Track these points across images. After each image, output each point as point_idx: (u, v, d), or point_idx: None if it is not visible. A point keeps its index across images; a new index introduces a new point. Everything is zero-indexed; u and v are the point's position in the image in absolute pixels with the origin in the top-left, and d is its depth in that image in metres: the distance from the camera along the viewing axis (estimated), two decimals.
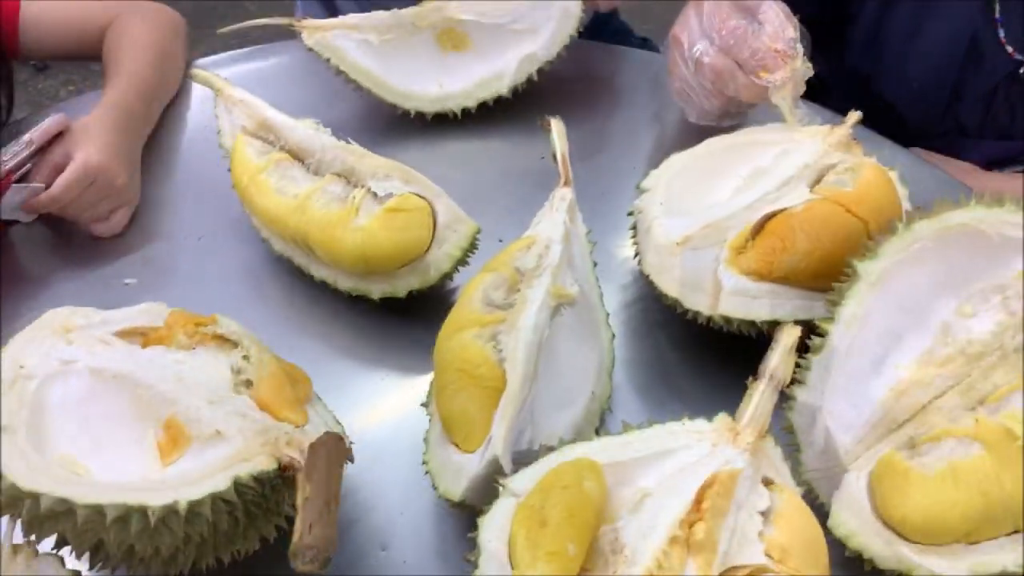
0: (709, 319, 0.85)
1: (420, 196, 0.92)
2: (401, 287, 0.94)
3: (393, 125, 1.18)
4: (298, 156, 1.01)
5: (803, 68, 0.95)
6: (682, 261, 0.85)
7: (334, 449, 0.67)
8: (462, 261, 0.95)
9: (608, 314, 0.88)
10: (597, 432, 0.80)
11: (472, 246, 0.95)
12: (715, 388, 0.88)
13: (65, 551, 0.67)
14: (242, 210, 1.06)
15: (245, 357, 0.74)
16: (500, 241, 1.05)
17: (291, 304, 1.01)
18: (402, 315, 0.98)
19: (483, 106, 1.16)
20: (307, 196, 0.95)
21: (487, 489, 0.70)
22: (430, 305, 0.97)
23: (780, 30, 0.95)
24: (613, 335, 0.88)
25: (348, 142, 0.98)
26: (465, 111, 1.15)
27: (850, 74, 1.32)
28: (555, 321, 0.79)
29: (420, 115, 1.14)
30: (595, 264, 0.89)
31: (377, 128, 1.19)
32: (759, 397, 0.68)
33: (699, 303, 0.85)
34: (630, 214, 0.95)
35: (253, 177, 0.98)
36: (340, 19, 1.12)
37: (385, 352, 0.96)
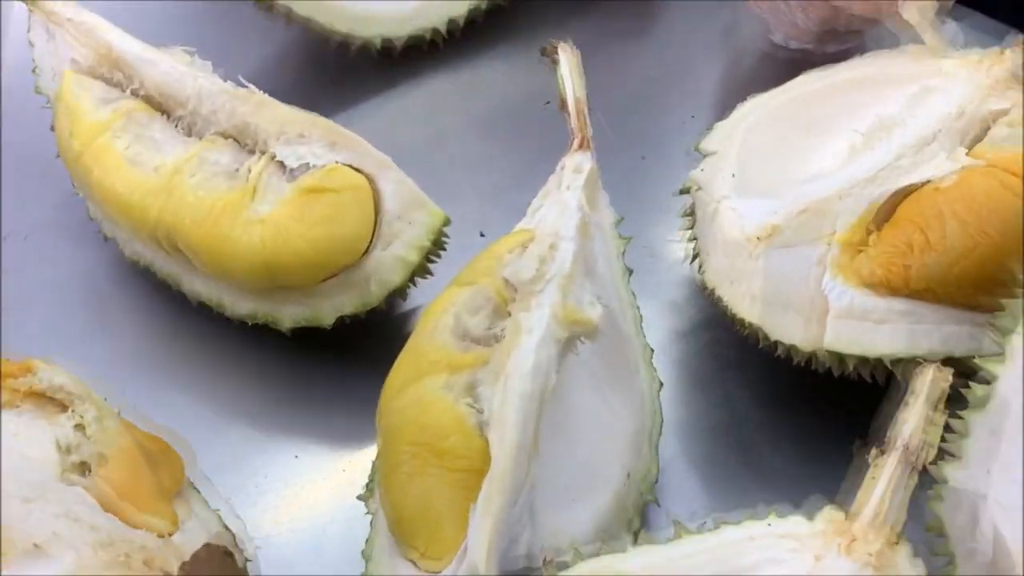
0: (808, 357, 0.85)
1: (354, 168, 0.93)
2: (325, 311, 0.94)
3: (335, 71, 1.22)
4: (162, 106, 1.01)
5: None
6: (766, 266, 0.86)
7: (220, 569, 0.67)
8: (421, 270, 0.95)
9: (652, 350, 0.88)
10: (634, 535, 0.80)
11: (437, 245, 0.95)
12: (816, 464, 0.89)
13: None
14: (74, 192, 1.06)
15: (79, 426, 0.74)
16: (481, 236, 1.06)
17: (154, 337, 1.03)
18: (328, 355, 0.99)
19: (470, 28, 1.20)
20: (176, 169, 0.95)
21: None
22: (372, 339, 0.98)
23: None
24: (659, 383, 0.87)
25: (241, 85, 0.98)
26: (448, 34, 1.20)
27: None
28: (567, 362, 0.79)
29: (376, 50, 1.18)
30: (630, 272, 0.89)
31: (312, 77, 1.23)
32: (887, 480, 0.68)
33: (792, 331, 0.85)
34: (683, 192, 0.96)
35: (90, 140, 0.98)
36: None
37: (302, 413, 0.97)
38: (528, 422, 0.75)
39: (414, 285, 0.96)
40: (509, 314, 0.80)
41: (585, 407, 0.80)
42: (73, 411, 0.75)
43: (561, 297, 0.80)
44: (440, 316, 0.80)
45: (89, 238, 1.07)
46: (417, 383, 0.77)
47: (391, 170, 0.94)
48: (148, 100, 1.01)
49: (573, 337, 0.80)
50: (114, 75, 1.02)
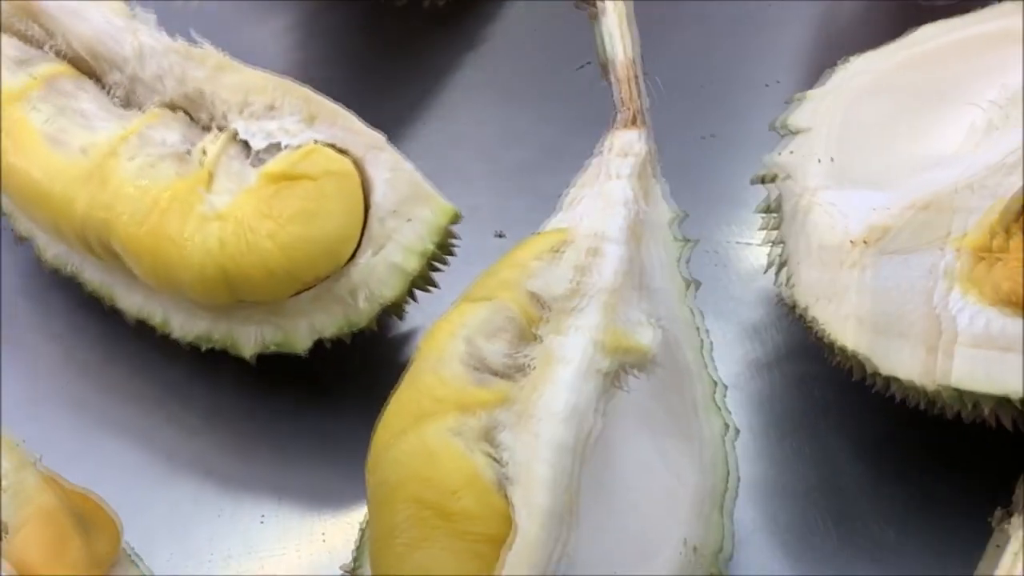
0: (929, 397, 0.84)
1: (338, 149, 0.93)
2: (299, 333, 0.95)
3: (314, 27, 1.23)
4: (93, 69, 1.01)
5: None
6: (874, 278, 0.86)
7: None
8: (423, 280, 0.95)
9: (723, 387, 0.88)
10: None
11: (443, 249, 0.95)
12: (938, 539, 0.89)
13: None
14: None
15: None
16: (499, 237, 1.07)
17: (79, 366, 1.04)
18: (303, 390, 1.00)
19: None
20: (111, 151, 0.95)
21: None
22: (359, 370, 0.99)
23: None
24: (733, 430, 0.87)
25: (194, 43, 0.98)
26: None
27: None
28: (612, 402, 0.79)
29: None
30: (696, 287, 0.89)
31: (286, 35, 1.24)
32: None
33: (907, 364, 0.84)
34: (763, 182, 0.96)
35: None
36: None
37: (270, 464, 0.98)
38: (562, 479, 0.74)
39: (414, 300, 0.96)
40: (537, 338, 0.80)
41: (636, 460, 0.80)
42: None
43: (605, 317, 0.79)
44: (448, 341, 0.80)
45: (3, 239, 1.08)
46: (419, 427, 0.77)
47: (384, 152, 0.94)
48: (75, 62, 1.01)
49: (620, 369, 0.79)
50: (31, 29, 1.02)
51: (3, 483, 0.75)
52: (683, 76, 1.18)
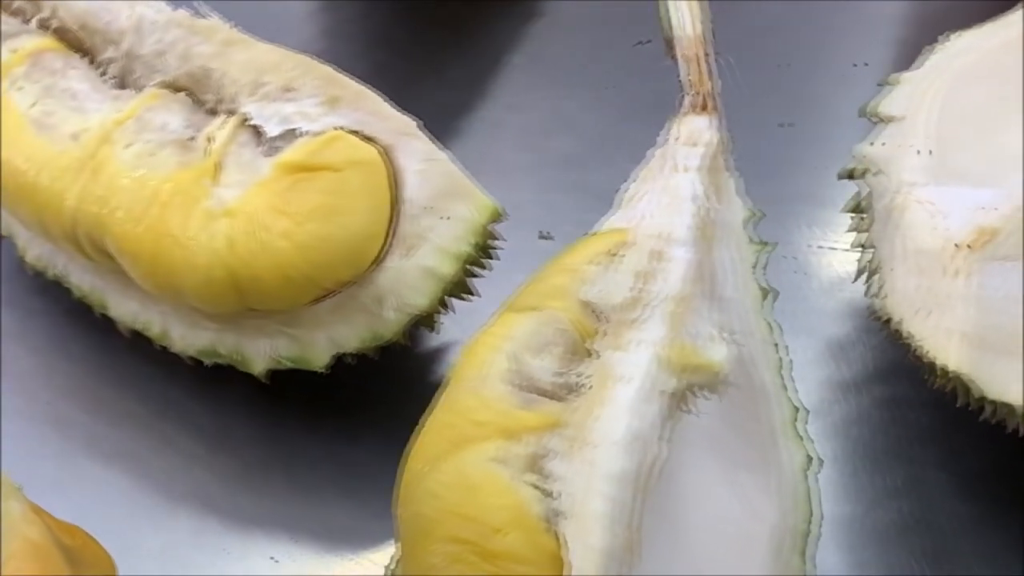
0: None
1: (363, 137, 0.93)
2: (317, 347, 0.95)
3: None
4: (84, 44, 1.02)
5: None
6: (977, 288, 0.85)
7: None
8: (460, 287, 0.95)
9: (806, 412, 0.88)
10: None
11: (484, 252, 0.95)
12: None
13: None
14: None
15: None
16: (545, 239, 1.08)
17: (66, 383, 1.04)
18: (321, 411, 1.00)
19: None
20: (104, 137, 0.96)
21: None
22: (386, 389, 0.99)
23: None
24: (817, 460, 0.87)
25: (198, 15, 0.99)
26: None
27: None
28: (679, 428, 0.78)
29: None
30: (773, 296, 0.89)
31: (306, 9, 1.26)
32: None
33: (1016, 387, 0.84)
34: (850, 177, 0.96)
35: None
36: None
37: (283, 496, 0.98)
38: (622, 515, 0.74)
39: (448, 310, 0.96)
40: (593, 354, 0.79)
41: (705, 494, 0.80)
42: None
43: (671, 331, 0.79)
44: (490, 357, 0.80)
45: None
46: (457, 455, 0.76)
47: (417, 139, 0.94)
48: (63, 35, 1.02)
49: (688, 390, 0.79)
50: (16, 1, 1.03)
51: None
52: (758, 55, 1.19)
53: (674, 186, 0.85)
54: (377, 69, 1.10)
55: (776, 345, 0.88)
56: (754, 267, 0.88)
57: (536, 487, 0.75)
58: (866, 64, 1.18)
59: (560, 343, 0.80)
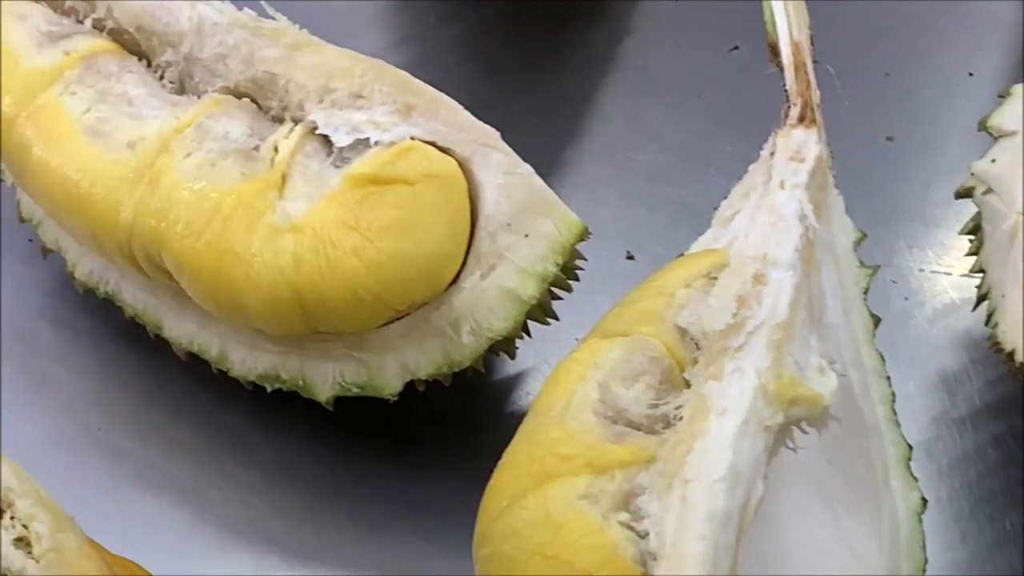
0: None
1: (440, 148, 0.93)
2: (388, 373, 0.95)
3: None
4: (141, 47, 1.02)
5: None
6: None
7: None
8: (541, 310, 0.95)
9: (910, 448, 0.87)
10: None
11: (568, 273, 0.95)
12: None
13: None
14: (4, 184, 1.08)
15: (22, 541, 0.74)
16: (630, 260, 1.07)
17: (117, 408, 1.04)
18: (390, 443, 1.00)
19: None
20: (162, 145, 0.96)
21: None
22: (460, 419, 0.99)
23: None
24: (922, 501, 0.86)
25: (267, 17, 0.99)
26: None
27: None
28: (779, 464, 0.79)
29: None
30: (875, 323, 0.89)
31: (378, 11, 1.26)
32: None
33: None
34: (961, 196, 0.95)
35: (27, 98, 1.00)
36: None
37: (350, 533, 0.97)
38: (720, 557, 0.73)
39: (527, 335, 0.96)
40: (688, 384, 0.79)
41: (806, 536, 0.80)
42: (13, 518, 0.75)
43: (773, 360, 0.79)
44: (577, 386, 0.80)
45: (19, 250, 1.09)
46: (541, 491, 0.76)
47: (497, 151, 0.94)
48: (119, 36, 1.02)
49: (790, 424, 0.79)
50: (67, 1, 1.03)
51: (40, 546, 0.74)
52: (860, 63, 1.18)
53: (776, 204, 0.84)
54: (455, 77, 1.10)
55: (883, 376, 0.88)
56: (861, 293, 0.88)
57: (627, 527, 0.75)
58: (971, 74, 1.17)
59: (652, 371, 0.80)
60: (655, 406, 0.79)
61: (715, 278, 0.83)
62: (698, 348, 0.81)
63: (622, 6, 1.25)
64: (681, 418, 0.78)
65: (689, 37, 1.23)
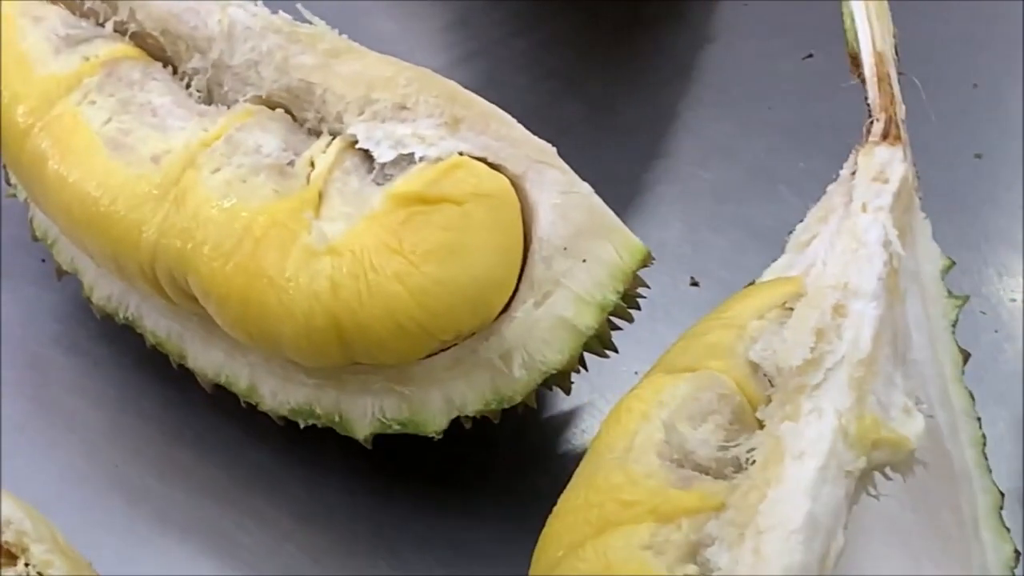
0: None
1: (491, 164, 0.93)
2: (432, 409, 0.94)
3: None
4: (166, 52, 1.03)
5: None
6: None
7: None
8: (600, 341, 0.95)
9: (1001, 496, 0.86)
10: None
11: (630, 300, 0.95)
12: None
13: None
14: (10, 193, 1.09)
15: None
16: (694, 287, 1.07)
17: (137, 445, 1.04)
18: (434, 485, 1.00)
19: None
20: (189, 160, 0.96)
21: None
22: (508, 459, 0.99)
23: None
24: (1016, 554, 0.85)
25: (304, 21, 0.99)
26: None
27: None
28: (860, 513, 0.78)
29: None
30: (964, 358, 0.88)
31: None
32: None
33: None
34: None
35: (43, 108, 1.00)
36: None
37: None
38: None
39: (584, 369, 0.96)
40: (761, 425, 0.79)
41: None
42: (28, 564, 0.75)
43: (855, 399, 0.78)
44: (639, 425, 0.80)
45: (32, 271, 1.10)
46: (601, 540, 0.76)
47: (553, 168, 0.94)
48: (142, 41, 1.02)
49: (873, 469, 0.78)
50: (87, 1, 1.04)
51: None
52: (946, 74, 1.18)
53: (858, 228, 0.84)
54: (507, 88, 1.10)
55: (974, 417, 0.87)
56: (950, 326, 0.88)
57: None
58: None
59: (722, 410, 0.80)
60: (725, 448, 0.79)
61: (791, 309, 0.82)
62: (772, 385, 0.81)
63: (701, 6, 1.26)
64: (754, 462, 0.78)
65: (760, 43, 1.23)
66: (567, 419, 1.02)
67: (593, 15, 1.28)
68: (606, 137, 1.16)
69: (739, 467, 0.78)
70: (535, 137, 0.94)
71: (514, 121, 0.95)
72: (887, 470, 0.79)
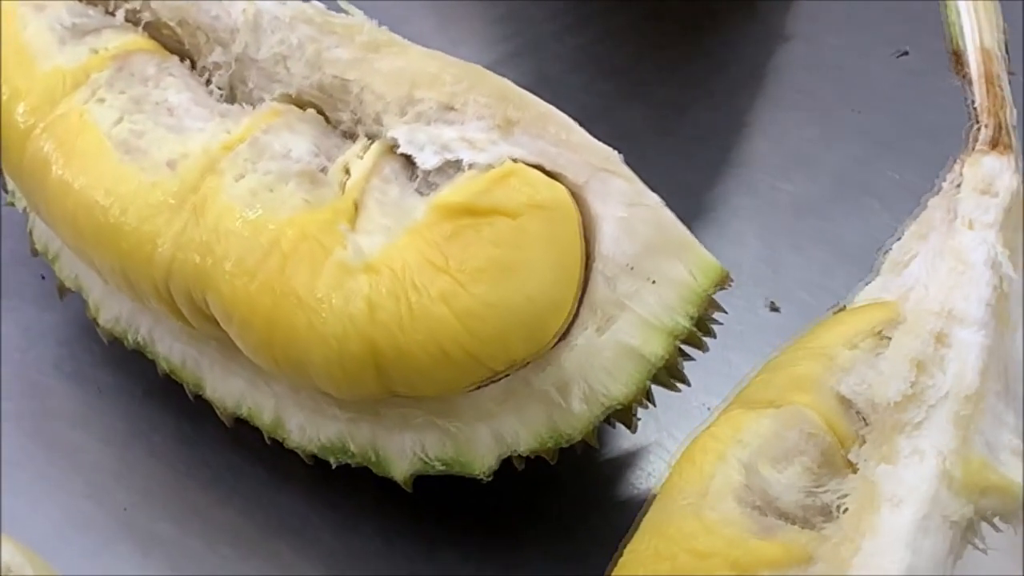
0: None
1: (547, 171, 0.93)
2: (480, 446, 0.94)
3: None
4: (183, 45, 1.04)
5: None
6: None
7: None
8: (670, 373, 0.95)
9: None
10: None
11: (703, 326, 0.95)
12: None
13: None
14: (8, 202, 1.09)
15: None
16: (774, 311, 1.07)
17: (148, 483, 1.04)
18: (480, 529, 1.00)
19: None
20: (209, 165, 0.96)
21: None
22: (565, 503, 0.99)
23: None
24: None
25: (339, 11, 1.00)
26: None
27: None
28: (964, 568, 0.77)
29: None
30: None
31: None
32: None
33: None
34: None
35: (48, 106, 1.01)
36: None
37: None
38: None
39: (651, 404, 0.96)
40: (853, 468, 0.79)
41: None
42: None
43: (960, 440, 0.78)
44: (716, 467, 0.80)
45: (30, 289, 1.11)
46: None
47: (618, 177, 0.94)
48: (157, 32, 1.03)
49: (979, 519, 0.78)
50: None
51: None
52: None
53: (962, 248, 0.84)
54: (560, 88, 1.10)
55: None
56: None
57: None
58: None
59: (809, 451, 0.80)
60: (813, 494, 0.79)
61: (887, 338, 0.83)
62: (866, 424, 0.81)
63: (775, 5, 1.25)
64: (846, 509, 0.78)
65: (846, 40, 1.23)
66: (631, 460, 1.02)
67: (655, 9, 1.28)
68: (672, 145, 1.16)
69: (828, 515, 0.78)
70: (598, 142, 0.94)
71: (574, 124, 0.95)
72: (995, 520, 0.79)
